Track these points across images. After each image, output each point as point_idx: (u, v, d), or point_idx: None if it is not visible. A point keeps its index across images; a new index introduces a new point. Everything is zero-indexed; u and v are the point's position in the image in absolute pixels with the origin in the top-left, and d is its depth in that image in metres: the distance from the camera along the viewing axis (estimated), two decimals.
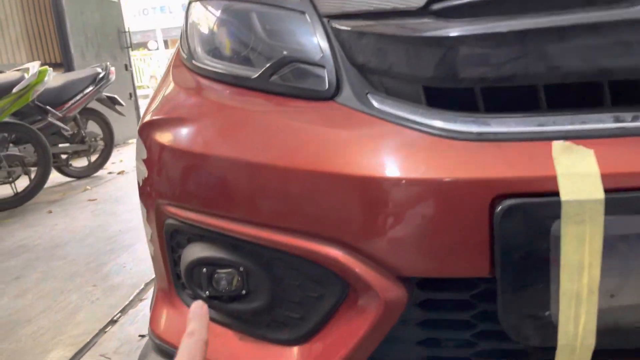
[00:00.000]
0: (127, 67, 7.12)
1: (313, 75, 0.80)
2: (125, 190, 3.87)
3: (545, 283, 0.62)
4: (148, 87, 16.42)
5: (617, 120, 0.64)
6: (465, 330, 0.72)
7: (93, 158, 4.67)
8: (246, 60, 0.88)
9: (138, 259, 2.31)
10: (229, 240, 0.82)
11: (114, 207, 3.37)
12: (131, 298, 1.88)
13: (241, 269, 0.82)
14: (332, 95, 0.78)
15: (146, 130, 0.92)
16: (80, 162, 4.68)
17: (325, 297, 0.77)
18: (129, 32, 7.22)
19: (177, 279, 0.96)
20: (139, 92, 7.70)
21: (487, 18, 0.69)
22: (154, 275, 2.07)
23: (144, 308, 1.80)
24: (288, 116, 0.79)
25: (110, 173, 4.65)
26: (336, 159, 0.71)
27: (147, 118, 0.94)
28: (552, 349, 0.66)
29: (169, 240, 0.92)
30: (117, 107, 4.69)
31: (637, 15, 0.62)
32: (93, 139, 4.55)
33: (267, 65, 0.83)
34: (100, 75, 4.48)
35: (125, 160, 5.24)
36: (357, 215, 0.68)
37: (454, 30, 0.70)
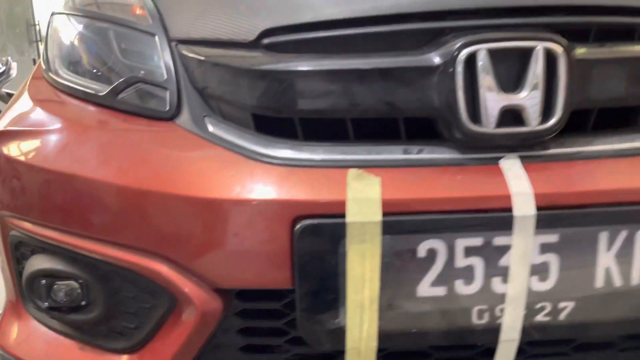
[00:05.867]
0: (35, 62, 6.76)
1: (156, 96, 0.85)
2: None
3: (336, 294, 0.71)
4: None
5: (405, 152, 0.74)
6: (280, 337, 0.80)
7: None
8: (101, 77, 0.92)
9: None
10: (68, 253, 0.85)
11: None
12: None
13: (80, 281, 0.85)
14: (172, 116, 0.83)
15: None
16: None
17: (157, 307, 0.81)
18: (38, 25, 6.87)
19: (24, 291, 0.97)
20: None
21: (308, 55, 0.77)
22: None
23: None
24: (127, 135, 0.83)
25: None
26: (164, 179, 0.76)
27: None
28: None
29: (14, 252, 0.93)
30: None
31: (420, 63, 0.73)
32: None
33: (115, 83, 0.86)
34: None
35: None
36: (175, 231, 0.74)
37: (277, 64, 0.77)
